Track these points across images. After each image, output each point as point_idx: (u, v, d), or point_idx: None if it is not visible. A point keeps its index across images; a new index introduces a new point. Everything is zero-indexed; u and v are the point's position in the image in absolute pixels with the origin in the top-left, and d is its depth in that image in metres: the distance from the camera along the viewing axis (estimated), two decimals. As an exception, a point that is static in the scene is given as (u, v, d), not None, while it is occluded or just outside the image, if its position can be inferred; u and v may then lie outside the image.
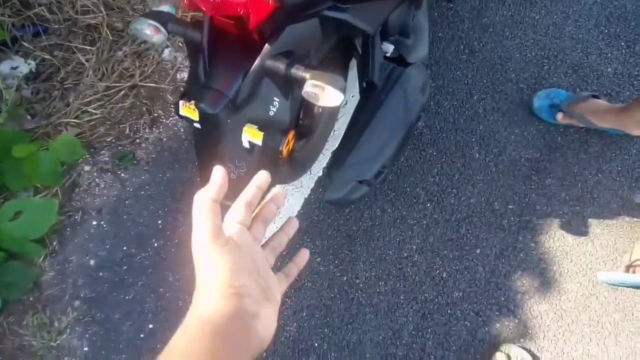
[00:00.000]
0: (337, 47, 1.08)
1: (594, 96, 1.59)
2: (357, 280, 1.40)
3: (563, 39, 1.80)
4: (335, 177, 1.12)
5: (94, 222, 1.49)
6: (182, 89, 1.69)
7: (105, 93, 1.65)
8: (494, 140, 1.60)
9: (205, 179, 1.15)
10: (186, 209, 1.47)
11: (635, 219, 1.47)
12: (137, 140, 1.60)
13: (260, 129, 0.89)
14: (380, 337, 1.34)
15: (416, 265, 1.42)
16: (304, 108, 1.23)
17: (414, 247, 1.44)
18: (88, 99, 1.63)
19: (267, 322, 0.41)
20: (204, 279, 0.40)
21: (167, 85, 1.68)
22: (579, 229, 1.47)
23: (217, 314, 0.38)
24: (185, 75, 1.70)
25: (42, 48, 1.71)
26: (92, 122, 1.61)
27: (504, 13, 1.86)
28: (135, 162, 1.57)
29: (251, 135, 0.89)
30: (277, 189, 0.51)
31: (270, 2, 0.74)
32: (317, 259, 1.43)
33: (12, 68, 1.69)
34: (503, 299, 1.38)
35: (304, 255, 0.51)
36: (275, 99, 0.91)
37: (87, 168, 1.56)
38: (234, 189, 1.14)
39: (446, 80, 1.71)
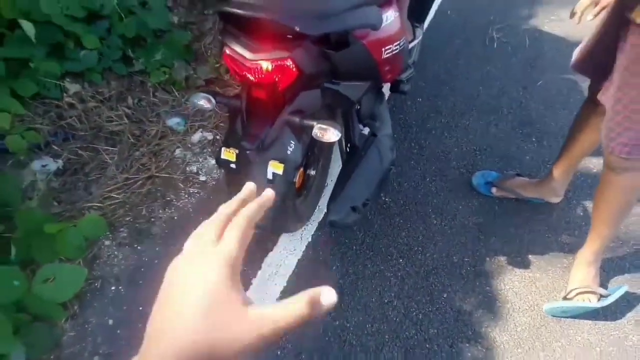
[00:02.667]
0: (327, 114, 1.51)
1: (518, 174, 2.06)
2: (348, 325, 1.63)
3: (489, 138, 2.33)
4: (334, 205, 1.46)
5: (113, 288, 1.68)
6: (191, 178, 2.03)
7: (125, 183, 1.96)
8: (446, 210, 1.99)
9: None
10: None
11: (564, 266, 1.82)
12: (152, 219, 1.87)
13: (280, 162, 1.25)
14: (372, 372, 1.54)
15: (396, 309, 1.68)
16: (305, 173, 1.61)
17: (393, 294, 1.71)
18: (109, 188, 1.93)
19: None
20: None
21: (178, 175, 2.02)
22: (522, 274, 1.80)
23: None
24: (194, 168, 2.06)
25: (69, 150, 2.04)
26: (113, 206, 1.88)
27: (442, 120, 2.41)
28: (150, 236, 1.82)
29: (275, 168, 1.24)
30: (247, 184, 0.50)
31: (294, 71, 1.16)
32: (312, 309, 1.66)
33: (43, 165, 1.99)
34: (470, 333, 1.63)
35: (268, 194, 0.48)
36: (291, 142, 1.28)
37: (107, 243, 1.79)
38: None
39: (403, 168, 2.15)
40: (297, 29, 1.10)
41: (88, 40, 2.21)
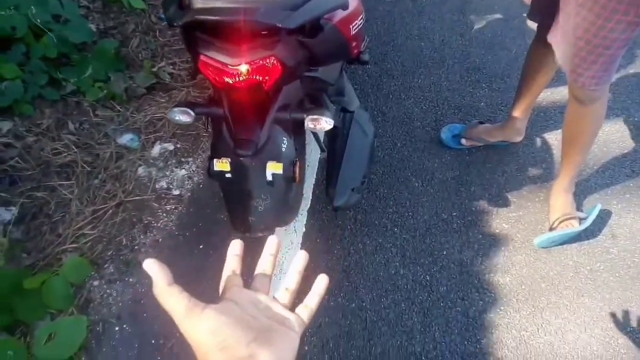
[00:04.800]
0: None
1: (480, 122, 2.14)
2: (364, 303, 1.66)
3: (443, 91, 2.39)
4: (335, 191, 1.46)
5: (117, 328, 1.58)
6: (163, 195, 1.92)
7: (94, 216, 1.82)
8: (424, 170, 2.04)
9: (236, 227, 1.42)
10: (199, 290, 1.64)
11: (541, 199, 1.95)
12: (136, 247, 1.77)
13: (278, 162, 1.21)
14: (398, 342, 1.58)
15: (404, 277, 1.72)
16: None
17: (397, 264, 1.75)
18: (79, 225, 1.79)
19: (274, 356, 0.43)
20: (196, 351, 0.43)
21: (149, 195, 1.90)
22: (507, 215, 1.90)
23: None
24: (163, 183, 1.95)
25: (20, 194, 1.85)
26: (89, 243, 1.75)
27: (395, 83, 2.43)
28: (139, 265, 1.72)
29: (273, 168, 1.21)
30: (271, 238, 0.55)
31: (279, 67, 1.12)
32: (326, 297, 1.66)
33: (-5, 218, 1.80)
34: (476, 281, 1.72)
35: (322, 282, 0.55)
36: (283, 138, 1.25)
37: (95, 283, 1.67)
38: (262, 219, 1.41)
39: (373, 138, 2.16)
40: (279, 25, 1.04)
41: (6, 69, 1.99)
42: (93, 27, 2.46)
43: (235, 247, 0.53)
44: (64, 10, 2.25)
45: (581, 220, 1.78)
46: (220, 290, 0.49)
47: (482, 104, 2.33)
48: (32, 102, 2.07)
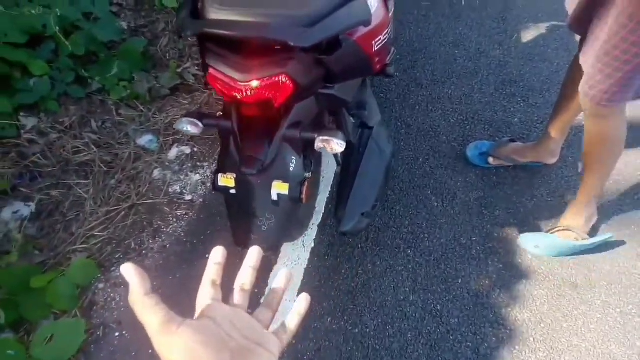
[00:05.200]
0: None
1: (512, 140, 2.00)
2: (368, 329, 1.58)
3: (474, 104, 2.26)
4: (343, 214, 1.39)
5: (117, 334, 1.58)
6: (175, 200, 1.91)
7: (106, 217, 1.83)
8: (445, 189, 1.93)
9: (239, 242, 1.37)
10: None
11: (571, 228, 1.80)
12: (144, 252, 1.76)
13: (284, 182, 1.15)
14: (400, 374, 1.50)
15: (414, 305, 1.63)
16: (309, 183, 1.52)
17: (407, 289, 1.66)
18: (91, 225, 1.80)
19: None
20: None
21: (162, 199, 1.90)
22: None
23: None
24: (177, 188, 1.94)
25: (39, 190, 1.89)
26: (99, 245, 1.76)
27: (423, 93, 2.32)
28: (145, 270, 1.71)
29: (279, 188, 1.15)
30: (252, 249, 0.52)
31: (290, 85, 1.05)
32: (329, 319, 1.60)
33: (14, 212, 1.84)
34: (492, 316, 1.61)
35: (303, 302, 0.51)
36: (292, 158, 1.19)
37: (101, 286, 1.68)
38: (265, 238, 1.36)
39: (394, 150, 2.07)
40: (292, 43, 0.98)
41: (35, 66, 2.03)
42: (124, 25, 2.49)
43: (217, 255, 0.49)
44: (95, 7, 2.28)
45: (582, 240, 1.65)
46: (197, 302, 0.46)
47: (515, 119, 2.19)
48: (58, 99, 2.10)
